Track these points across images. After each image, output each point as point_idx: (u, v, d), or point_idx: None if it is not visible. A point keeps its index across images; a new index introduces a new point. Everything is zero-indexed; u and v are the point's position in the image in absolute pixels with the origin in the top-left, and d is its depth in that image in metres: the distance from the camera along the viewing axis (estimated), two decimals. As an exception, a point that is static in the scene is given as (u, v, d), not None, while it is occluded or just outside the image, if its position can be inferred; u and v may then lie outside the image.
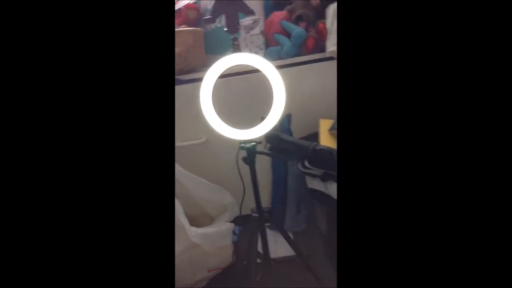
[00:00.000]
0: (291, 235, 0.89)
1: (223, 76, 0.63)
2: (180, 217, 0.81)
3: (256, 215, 0.76)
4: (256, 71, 0.62)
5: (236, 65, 0.62)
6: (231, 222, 1.00)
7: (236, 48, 0.66)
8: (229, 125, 0.65)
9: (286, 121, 1.00)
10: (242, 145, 0.69)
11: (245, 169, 0.73)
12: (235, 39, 0.66)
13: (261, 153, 0.72)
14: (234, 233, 1.04)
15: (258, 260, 0.83)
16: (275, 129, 0.66)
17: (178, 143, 1.07)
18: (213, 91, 0.63)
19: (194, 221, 1.04)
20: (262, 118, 0.64)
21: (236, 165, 0.72)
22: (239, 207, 0.79)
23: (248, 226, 0.77)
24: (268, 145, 0.77)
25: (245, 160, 0.71)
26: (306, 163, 0.82)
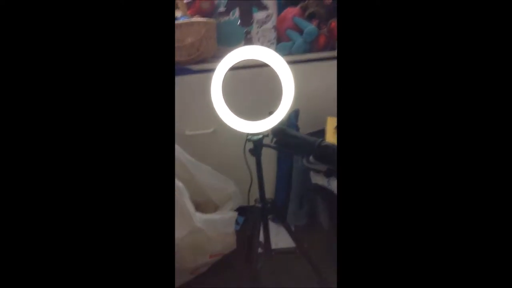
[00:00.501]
0: (292, 229, 0.91)
1: (234, 68, 0.65)
2: (186, 203, 0.83)
3: (260, 205, 0.78)
4: (265, 65, 0.63)
5: (248, 58, 0.63)
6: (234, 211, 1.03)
7: (249, 41, 0.67)
8: (238, 117, 0.66)
9: (293, 116, 1.01)
10: (249, 137, 0.71)
11: (251, 160, 0.75)
12: (248, 32, 0.67)
13: (267, 146, 0.74)
14: (237, 222, 1.07)
15: (260, 250, 0.86)
16: (282, 123, 0.67)
17: (187, 131, 1.10)
18: (223, 82, 0.65)
19: (199, 208, 1.07)
20: (270, 112, 0.66)
21: (242, 156, 0.74)
22: (243, 197, 0.81)
23: (251, 216, 0.79)
24: (274, 139, 0.78)
25: (251, 152, 0.73)
26: (311, 159, 0.83)
